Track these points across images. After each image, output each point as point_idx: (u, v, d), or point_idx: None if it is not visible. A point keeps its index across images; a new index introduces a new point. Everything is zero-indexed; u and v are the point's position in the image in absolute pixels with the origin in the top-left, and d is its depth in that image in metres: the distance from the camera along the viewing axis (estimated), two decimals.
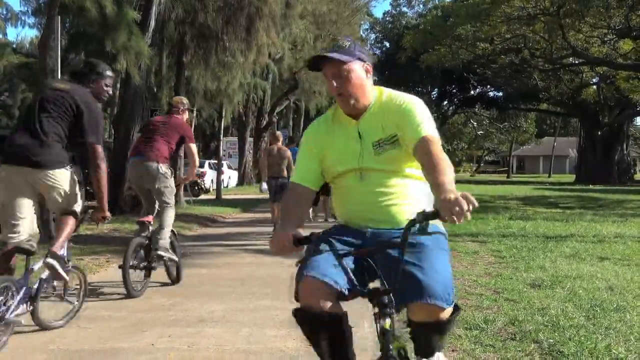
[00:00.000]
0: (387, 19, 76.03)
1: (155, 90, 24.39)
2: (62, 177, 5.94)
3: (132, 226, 14.94)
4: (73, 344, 5.78)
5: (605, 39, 42.54)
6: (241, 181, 42.64)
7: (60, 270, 5.83)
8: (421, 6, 75.40)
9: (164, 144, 8.36)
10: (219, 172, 29.43)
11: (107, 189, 6.40)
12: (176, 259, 8.50)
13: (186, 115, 8.97)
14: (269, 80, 38.05)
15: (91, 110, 6.18)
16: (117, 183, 20.09)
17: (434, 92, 74.06)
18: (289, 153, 14.86)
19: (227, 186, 37.76)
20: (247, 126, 44.17)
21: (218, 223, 18.76)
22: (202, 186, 31.59)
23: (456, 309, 3.54)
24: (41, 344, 5.73)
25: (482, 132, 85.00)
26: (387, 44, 73.87)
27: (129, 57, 16.17)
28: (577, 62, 46.82)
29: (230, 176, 40.96)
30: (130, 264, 7.81)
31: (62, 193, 5.95)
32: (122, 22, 14.98)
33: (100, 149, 6.22)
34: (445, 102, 74.78)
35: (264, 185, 14.75)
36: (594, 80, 53.53)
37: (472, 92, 69.08)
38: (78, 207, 6.26)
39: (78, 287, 6.61)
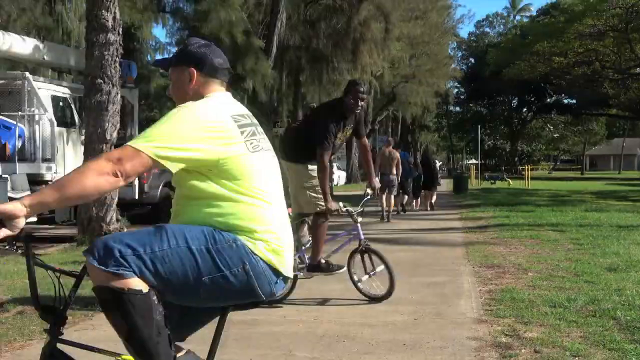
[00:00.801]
0: (472, 38, 74.98)
1: (276, 104, 24.81)
2: None
3: None
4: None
5: None
6: (349, 180, 42.74)
7: None
8: (502, 26, 74.12)
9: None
10: (330, 172, 29.56)
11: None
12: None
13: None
14: (371, 94, 37.99)
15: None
16: None
17: (514, 101, 72.55)
18: (397, 155, 15.98)
19: (337, 184, 37.93)
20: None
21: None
22: None
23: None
24: None
25: (557, 134, 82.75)
26: (472, 60, 72.82)
27: (255, 78, 16.51)
28: None
29: (340, 175, 41.11)
30: None
31: None
32: (250, 49, 15.33)
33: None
34: (524, 109, 73.14)
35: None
36: None
37: (548, 100, 67.37)
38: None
39: None
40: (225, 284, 2.46)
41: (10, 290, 6.91)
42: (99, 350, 2.65)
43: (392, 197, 16.26)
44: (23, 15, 22.04)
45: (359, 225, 6.53)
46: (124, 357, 2.62)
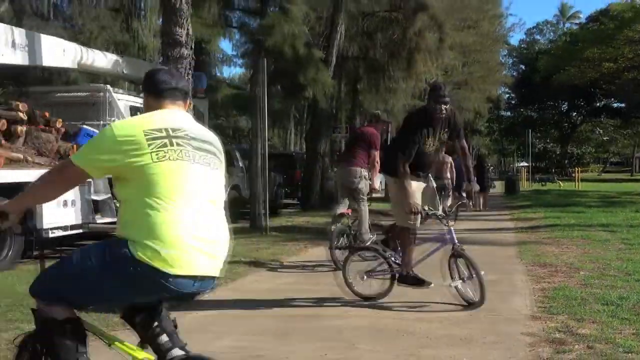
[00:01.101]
0: (523, 45, 73.74)
1: (334, 111, 24.88)
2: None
3: (321, 219, 15.31)
4: (287, 309, 6.05)
5: None
6: None
7: None
8: (552, 34, 72.72)
9: (363, 152, 8.47)
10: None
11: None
12: (376, 239, 8.57)
13: (383, 127, 9.20)
14: (424, 100, 37.78)
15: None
16: (309, 185, 20.67)
17: (563, 105, 71.12)
18: (449, 159, 15.88)
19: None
20: (384, 125, 44.07)
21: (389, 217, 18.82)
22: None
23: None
24: (260, 310, 6.03)
25: (607, 138, 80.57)
26: (523, 67, 71.63)
27: (316, 88, 16.58)
28: None
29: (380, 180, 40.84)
30: (335, 245, 8.19)
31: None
32: (311, 60, 15.41)
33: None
34: (574, 114, 71.53)
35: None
36: None
37: (597, 104, 65.74)
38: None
39: None
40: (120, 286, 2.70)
41: None
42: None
43: (448, 200, 15.85)
44: (103, 33, 22.68)
45: (452, 229, 6.21)
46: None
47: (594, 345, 4.52)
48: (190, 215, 2.70)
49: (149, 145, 2.68)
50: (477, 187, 6.98)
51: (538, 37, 75.01)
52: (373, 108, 25.29)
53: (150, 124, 2.78)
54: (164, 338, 2.84)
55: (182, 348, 2.85)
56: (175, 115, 2.93)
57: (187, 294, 2.81)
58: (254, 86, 14.62)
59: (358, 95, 25.26)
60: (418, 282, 6.23)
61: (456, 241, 6.13)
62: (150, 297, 2.83)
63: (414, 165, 6.09)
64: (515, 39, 76.46)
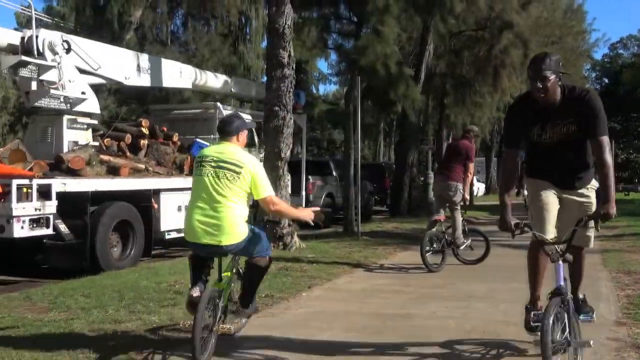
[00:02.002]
0: (606, 60, 70.61)
1: (422, 125, 24.68)
2: None
3: (409, 225, 15.20)
4: (379, 309, 6.04)
5: None
6: (487, 191, 41.58)
7: None
8: (636, 47, 69.31)
9: (459, 165, 8.52)
10: (472, 185, 28.97)
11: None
12: (469, 243, 8.76)
13: (475, 140, 9.14)
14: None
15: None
16: (398, 193, 20.56)
17: None
18: None
19: (476, 195, 36.97)
20: (491, 149, 43.18)
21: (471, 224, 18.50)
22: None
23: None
24: (354, 308, 6.05)
25: None
26: (606, 80, 68.66)
27: (406, 103, 16.48)
28: None
29: (479, 187, 40.11)
30: (427, 249, 8.23)
31: None
32: (401, 77, 15.30)
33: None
34: None
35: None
36: None
37: None
38: None
39: None
40: None
41: None
42: None
43: None
44: (213, 56, 23.44)
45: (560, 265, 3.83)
46: None
47: None
48: (198, 208, 4.30)
49: (196, 167, 4.45)
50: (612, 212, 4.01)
51: (622, 51, 71.68)
52: (459, 121, 24.97)
53: (204, 153, 4.49)
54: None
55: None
56: (218, 147, 4.53)
57: (206, 253, 4.39)
58: (348, 102, 14.68)
59: (445, 109, 24.96)
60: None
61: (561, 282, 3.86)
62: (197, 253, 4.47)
63: (535, 168, 4.45)
64: (598, 53, 73.32)
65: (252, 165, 4.34)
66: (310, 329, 5.14)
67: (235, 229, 4.28)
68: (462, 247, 8.64)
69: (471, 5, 19.11)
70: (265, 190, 4.36)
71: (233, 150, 4.40)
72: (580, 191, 4.34)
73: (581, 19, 37.48)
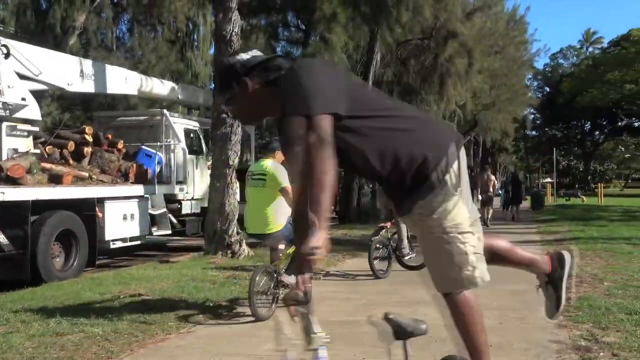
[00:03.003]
0: (547, 69, 72.85)
1: None
2: None
3: (358, 231, 15.28)
4: (328, 316, 6.03)
5: None
6: None
7: None
8: (575, 58, 71.73)
9: None
10: None
11: None
12: (414, 255, 8.80)
13: None
14: (454, 121, 37.49)
15: None
16: (347, 200, 20.69)
17: (586, 125, 69.89)
18: (494, 178, 19.45)
19: None
20: None
21: None
22: None
23: None
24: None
25: (629, 155, 79.03)
26: (547, 89, 70.79)
27: None
28: None
29: None
30: (374, 256, 8.33)
31: None
32: None
33: None
34: (597, 132, 70.32)
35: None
36: None
37: (619, 123, 64.39)
38: None
39: None
40: None
41: (151, 291, 7.25)
42: None
43: (490, 209, 18.84)
44: (160, 62, 23.19)
45: None
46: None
47: (619, 353, 4.41)
48: (249, 210, 6.42)
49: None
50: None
51: (562, 61, 74.12)
52: None
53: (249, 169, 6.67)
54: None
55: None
56: (258, 163, 6.52)
57: (257, 239, 6.90)
58: None
59: None
60: None
61: None
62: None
63: None
64: (540, 63, 75.63)
65: (272, 169, 6.19)
66: (256, 339, 5.11)
67: (274, 221, 6.13)
68: (406, 258, 8.75)
69: (417, 14, 19.42)
70: (281, 182, 6.02)
71: (264, 164, 6.32)
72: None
73: (523, 29, 38.50)
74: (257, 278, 5.70)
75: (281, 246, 6.37)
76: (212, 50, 23.61)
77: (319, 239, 2.38)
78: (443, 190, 2.67)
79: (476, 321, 2.85)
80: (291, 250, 6.01)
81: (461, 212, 2.72)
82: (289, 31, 18.82)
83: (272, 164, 6.21)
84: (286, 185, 5.86)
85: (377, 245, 8.54)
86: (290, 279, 5.86)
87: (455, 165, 2.69)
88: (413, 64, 23.08)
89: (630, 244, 11.64)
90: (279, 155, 6.02)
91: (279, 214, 6.10)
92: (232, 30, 10.53)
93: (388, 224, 8.79)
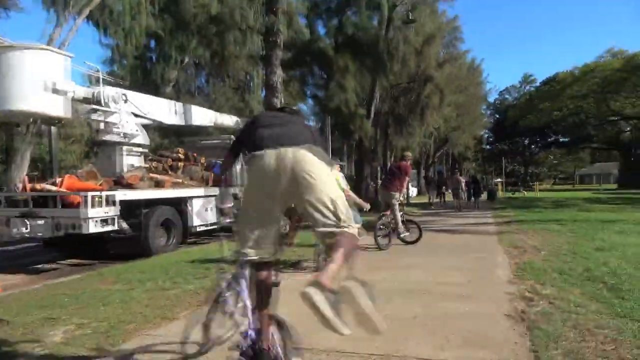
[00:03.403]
0: (497, 102, 71.78)
1: (373, 148, 24.79)
2: None
3: (365, 218, 15.19)
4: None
5: (636, 103, 37.68)
6: (418, 193, 41.83)
7: None
8: (516, 93, 70.53)
9: (397, 180, 8.58)
10: (407, 189, 29.07)
11: None
12: (408, 233, 8.66)
13: (409, 161, 9.15)
14: (432, 139, 37.22)
15: None
16: (357, 195, 20.59)
17: (526, 140, 68.64)
18: (462, 179, 20.22)
19: (411, 196, 37.17)
20: (420, 164, 43.49)
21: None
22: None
23: None
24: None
25: (556, 161, 77.67)
26: (497, 116, 69.70)
27: (361, 133, 16.62)
28: (616, 118, 41.75)
29: (413, 191, 40.22)
30: (378, 234, 8.32)
31: None
32: (357, 115, 15.46)
33: None
34: (533, 146, 69.09)
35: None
36: (627, 128, 47.52)
37: (550, 139, 63.19)
38: None
39: None
40: None
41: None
42: None
43: (460, 199, 19.54)
44: (227, 103, 23.34)
45: None
46: None
47: (554, 301, 4.36)
48: None
49: None
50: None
51: (507, 96, 72.83)
52: (399, 145, 25.17)
53: None
54: None
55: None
56: None
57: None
58: (321, 132, 14.75)
59: (388, 137, 25.13)
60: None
61: None
62: None
63: None
64: (491, 97, 74.33)
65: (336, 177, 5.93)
66: (295, 293, 5.12)
67: None
68: (402, 235, 8.69)
69: (404, 65, 19.37)
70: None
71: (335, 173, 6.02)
72: None
73: (479, 74, 38.09)
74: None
75: None
76: (262, 94, 23.79)
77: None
78: None
79: None
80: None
81: None
82: (314, 79, 18.84)
83: (336, 173, 6.41)
84: (344, 189, 6.22)
85: (380, 227, 8.50)
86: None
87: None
88: (402, 100, 22.97)
89: (559, 224, 11.46)
90: (337, 167, 6.60)
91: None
92: (277, 80, 10.61)
93: (387, 212, 8.75)
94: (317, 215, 2.29)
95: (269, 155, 2.41)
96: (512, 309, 4.22)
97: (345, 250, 2.21)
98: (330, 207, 2.30)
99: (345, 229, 2.28)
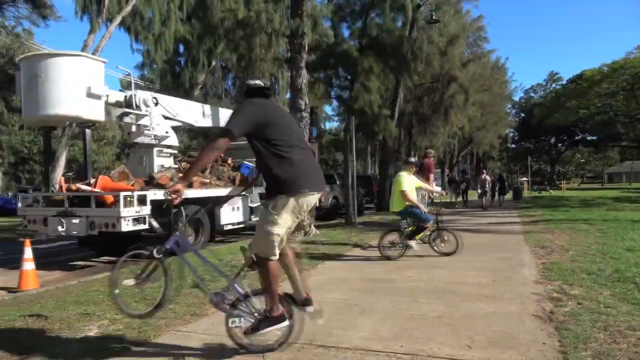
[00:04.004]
0: (522, 101, 70.25)
1: (396, 148, 24.62)
2: None
3: (390, 217, 15.02)
4: (372, 275, 6.01)
5: None
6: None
7: None
8: (542, 92, 68.90)
9: (421, 177, 8.25)
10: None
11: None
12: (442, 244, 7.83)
13: (432, 159, 8.99)
14: (456, 139, 36.69)
15: None
16: (381, 195, 20.47)
17: (552, 139, 66.98)
18: (488, 178, 20.21)
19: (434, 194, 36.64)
20: (445, 164, 42.96)
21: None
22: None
23: None
24: (354, 275, 6.00)
25: (583, 160, 75.45)
26: (522, 114, 68.21)
27: (385, 133, 16.49)
28: None
29: (438, 188, 39.68)
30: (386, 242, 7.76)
31: None
32: (381, 116, 15.33)
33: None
34: (559, 145, 67.31)
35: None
36: None
37: (577, 137, 61.51)
38: None
39: None
40: None
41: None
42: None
43: (486, 198, 19.54)
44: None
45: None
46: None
47: (582, 302, 4.23)
48: (392, 197, 6.84)
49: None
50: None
51: (533, 94, 71.26)
52: (422, 145, 24.93)
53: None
54: None
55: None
56: (400, 172, 7.00)
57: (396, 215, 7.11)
58: (346, 133, 14.71)
59: (412, 137, 24.93)
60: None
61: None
62: None
63: None
64: (517, 97, 72.76)
65: (401, 177, 6.95)
66: (324, 291, 5.13)
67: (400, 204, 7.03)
68: (420, 235, 8.24)
69: (428, 66, 19.14)
70: (401, 187, 6.83)
71: (401, 173, 7.07)
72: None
73: (504, 73, 37.50)
74: (386, 235, 7.27)
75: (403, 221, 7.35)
76: (287, 95, 23.90)
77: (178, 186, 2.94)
78: None
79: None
80: (410, 229, 7.10)
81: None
82: (339, 80, 18.79)
83: (404, 174, 7.01)
84: (404, 189, 6.80)
85: (405, 226, 8.35)
86: (412, 243, 7.11)
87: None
88: (426, 100, 22.75)
89: (587, 224, 11.14)
90: (411, 168, 7.10)
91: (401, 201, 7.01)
92: (302, 82, 10.61)
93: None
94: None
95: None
96: (539, 309, 4.11)
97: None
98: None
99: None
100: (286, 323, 3.03)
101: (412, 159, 7.33)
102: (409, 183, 6.93)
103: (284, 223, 2.88)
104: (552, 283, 5.05)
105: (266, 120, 2.88)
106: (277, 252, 2.93)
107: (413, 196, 6.97)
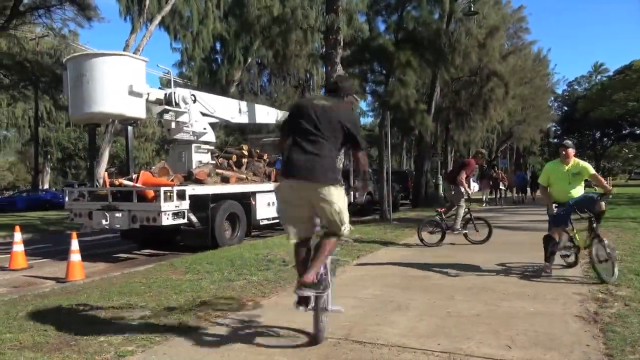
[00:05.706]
0: (565, 94, 67.62)
1: (433, 143, 24.21)
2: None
3: (426, 213, 14.85)
4: (407, 272, 5.94)
5: None
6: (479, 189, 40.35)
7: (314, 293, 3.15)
8: (586, 84, 66.10)
9: (463, 173, 8.02)
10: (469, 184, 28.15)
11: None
12: (465, 231, 8.03)
13: (480, 158, 8.72)
14: (494, 134, 35.76)
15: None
16: (417, 191, 20.21)
17: (597, 134, 64.18)
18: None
19: (473, 191, 35.78)
20: (483, 159, 41.92)
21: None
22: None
23: None
24: (389, 271, 5.96)
25: (631, 155, 71.89)
26: (565, 108, 65.67)
27: (421, 128, 16.22)
28: None
29: (474, 186, 38.83)
30: (428, 230, 8.05)
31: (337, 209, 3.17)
32: (418, 111, 15.04)
33: None
34: (605, 139, 64.44)
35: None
36: None
37: (624, 131, 58.70)
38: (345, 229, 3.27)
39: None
40: None
41: (289, 253, 7.41)
42: None
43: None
44: (289, 101, 23.71)
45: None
46: None
47: (630, 303, 4.05)
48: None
49: None
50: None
51: (576, 87, 68.43)
52: (460, 140, 24.44)
53: None
54: None
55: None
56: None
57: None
58: (381, 129, 14.58)
59: (449, 132, 24.47)
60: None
61: None
62: None
63: None
64: (559, 89, 70.07)
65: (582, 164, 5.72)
66: (358, 287, 5.12)
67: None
68: (455, 232, 8.06)
69: (466, 59, 18.70)
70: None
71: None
72: None
73: (546, 65, 36.19)
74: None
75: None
76: (322, 92, 23.92)
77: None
78: None
79: None
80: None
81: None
82: (374, 75, 18.60)
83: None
84: (593, 173, 5.52)
85: (427, 222, 8.26)
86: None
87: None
88: (464, 94, 22.25)
89: (635, 222, 10.63)
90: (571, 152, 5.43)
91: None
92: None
93: (443, 209, 8.39)
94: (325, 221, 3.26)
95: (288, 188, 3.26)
96: (582, 310, 3.96)
97: (327, 250, 3.22)
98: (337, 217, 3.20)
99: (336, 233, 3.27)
100: None
101: (568, 141, 5.74)
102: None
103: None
104: (597, 283, 4.85)
105: None
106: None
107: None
